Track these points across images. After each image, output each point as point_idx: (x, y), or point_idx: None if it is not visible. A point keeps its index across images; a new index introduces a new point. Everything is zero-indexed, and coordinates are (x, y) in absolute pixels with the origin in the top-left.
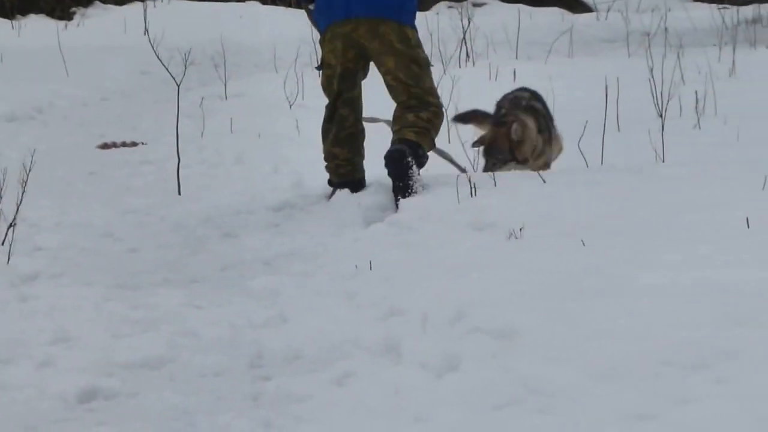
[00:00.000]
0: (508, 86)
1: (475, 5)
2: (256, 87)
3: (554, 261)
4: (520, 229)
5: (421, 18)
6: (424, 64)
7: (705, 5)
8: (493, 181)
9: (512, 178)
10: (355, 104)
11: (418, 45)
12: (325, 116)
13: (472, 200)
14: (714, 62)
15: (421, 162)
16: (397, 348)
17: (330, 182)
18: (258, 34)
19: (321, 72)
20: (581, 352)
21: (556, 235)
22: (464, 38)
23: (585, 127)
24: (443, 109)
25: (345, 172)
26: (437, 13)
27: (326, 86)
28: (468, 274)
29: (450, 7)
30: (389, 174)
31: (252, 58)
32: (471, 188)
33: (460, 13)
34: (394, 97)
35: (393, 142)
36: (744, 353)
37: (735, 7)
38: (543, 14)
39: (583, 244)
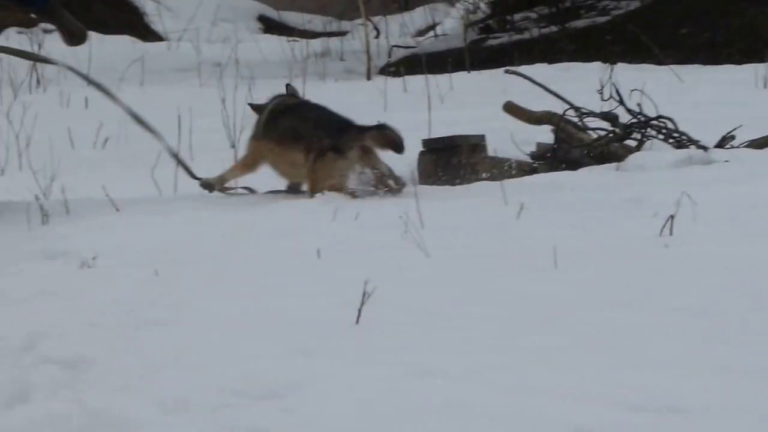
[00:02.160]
0: (80, 113)
1: (46, 31)
2: None
3: (126, 290)
4: (93, 258)
5: None
6: None
7: (274, 37)
8: (65, 209)
9: (86, 205)
10: None
11: None
12: None
13: (44, 228)
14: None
15: None
16: None
17: None
18: None
19: None
20: (152, 383)
21: (129, 264)
22: (34, 64)
23: (158, 156)
24: None
25: None
26: (6, 39)
27: None
28: (38, 303)
29: (20, 32)
30: None
31: None
32: (42, 216)
33: (30, 39)
34: None
35: None
36: (312, 383)
37: (304, 41)
38: (113, 42)
39: (156, 274)
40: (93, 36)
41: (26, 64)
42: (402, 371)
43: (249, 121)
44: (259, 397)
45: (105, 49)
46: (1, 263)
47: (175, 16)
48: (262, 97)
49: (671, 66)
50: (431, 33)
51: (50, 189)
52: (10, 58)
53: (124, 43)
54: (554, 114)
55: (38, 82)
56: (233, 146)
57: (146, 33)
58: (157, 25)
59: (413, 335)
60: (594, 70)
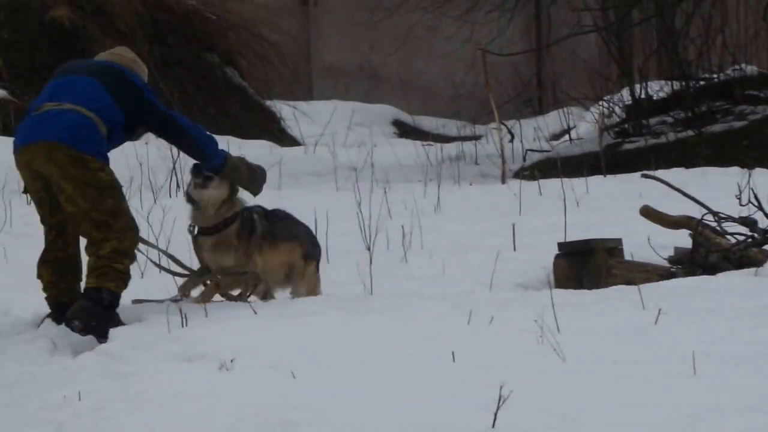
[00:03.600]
0: None
1: None
2: None
3: (265, 393)
4: (231, 361)
5: (129, 148)
6: (103, 186)
7: (410, 142)
8: (204, 312)
9: (224, 308)
10: (63, 228)
11: (101, 169)
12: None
13: (184, 330)
14: (420, 197)
15: (105, 302)
16: None
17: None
18: None
19: None
20: None
21: (267, 366)
22: (174, 168)
23: None
24: (133, 226)
25: (50, 295)
26: (146, 143)
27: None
28: (177, 405)
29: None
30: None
31: None
32: (182, 318)
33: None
34: (80, 229)
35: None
36: None
37: (438, 145)
38: (252, 147)
39: (294, 376)
40: (231, 140)
41: (167, 168)
42: None
43: (384, 224)
44: None
45: (243, 152)
46: (141, 365)
47: (311, 121)
48: (397, 200)
49: None
50: (566, 137)
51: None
52: (150, 161)
53: (261, 148)
54: (692, 218)
55: (177, 185)
56: (368, 249)
57: (283, 138)
58: (293, 130)
59: None
60: (731, 175)
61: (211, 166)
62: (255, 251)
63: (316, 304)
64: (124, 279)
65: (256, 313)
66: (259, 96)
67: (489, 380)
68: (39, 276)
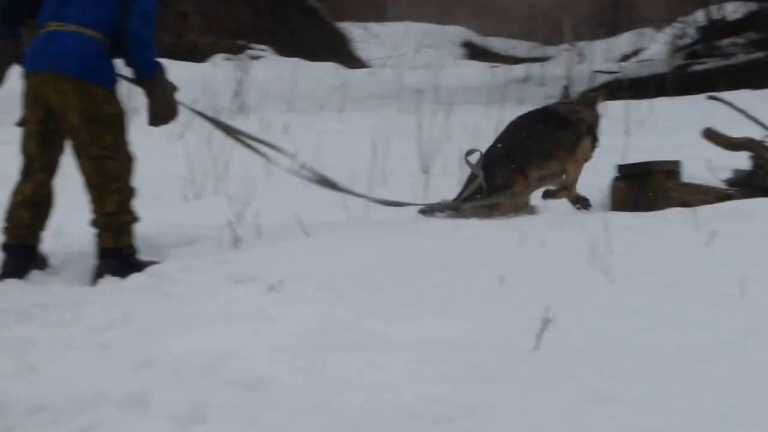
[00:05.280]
0: (278, 139)
1: (252, 58)
2: None
3: (310, 314)
4: (279, 282)
5: (196, 70)
6: (107, 120)
7: (478, 63)
8: (257, 234)
9: (278, 230)
10: (52, 167)
11: (106, 102)
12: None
13: (235, 252)
14: (481, 119)
15: (127, 258)
16: (145, 399)
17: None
18: None
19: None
20: (328, 405)
21: (315, 288)
22: (237, 90)
23: (351, 180)
24: (129, 164)
25: (18, 236)
26: (213, 65)
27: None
28: (224, 326)
29: (227, 59)
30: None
31: None
32: (234, 240)
33: (236, 66)
34: (79, 164)
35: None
36: (486, 408)
37: (506, 66)
38: (319, 68)
39: (341, 299)
40: (298, 62)
41: (229, 91)
42: (579, 397)
43: (443, 146)
44: (433, 421)
45: (309, 74)
46: (191, 286)
47: (381, 42)
48: (459, 122)
49: None
50: (635, 58)
51: (244, 214)
52: (214, 84)
53: (328, 69)
54: (754, 140)
55: (240, 108)
56: (425, 172)
57: (351, 59)
58: (363, 52)
59: (593, 361)
60: None
61: (140, 73)
62: None
63: (368, 227)
64: (133, 226)
65: (308, 235)
66: (331, 18)
67: (536, 302)
68: (12, 217)
